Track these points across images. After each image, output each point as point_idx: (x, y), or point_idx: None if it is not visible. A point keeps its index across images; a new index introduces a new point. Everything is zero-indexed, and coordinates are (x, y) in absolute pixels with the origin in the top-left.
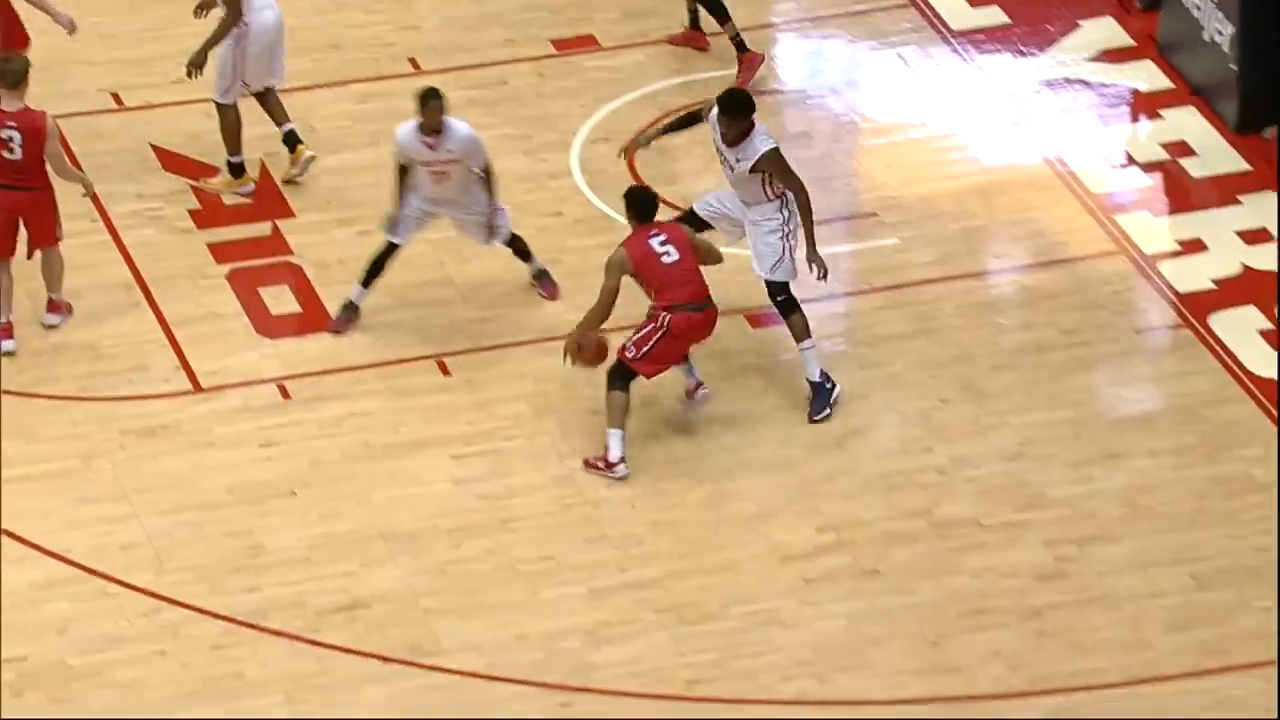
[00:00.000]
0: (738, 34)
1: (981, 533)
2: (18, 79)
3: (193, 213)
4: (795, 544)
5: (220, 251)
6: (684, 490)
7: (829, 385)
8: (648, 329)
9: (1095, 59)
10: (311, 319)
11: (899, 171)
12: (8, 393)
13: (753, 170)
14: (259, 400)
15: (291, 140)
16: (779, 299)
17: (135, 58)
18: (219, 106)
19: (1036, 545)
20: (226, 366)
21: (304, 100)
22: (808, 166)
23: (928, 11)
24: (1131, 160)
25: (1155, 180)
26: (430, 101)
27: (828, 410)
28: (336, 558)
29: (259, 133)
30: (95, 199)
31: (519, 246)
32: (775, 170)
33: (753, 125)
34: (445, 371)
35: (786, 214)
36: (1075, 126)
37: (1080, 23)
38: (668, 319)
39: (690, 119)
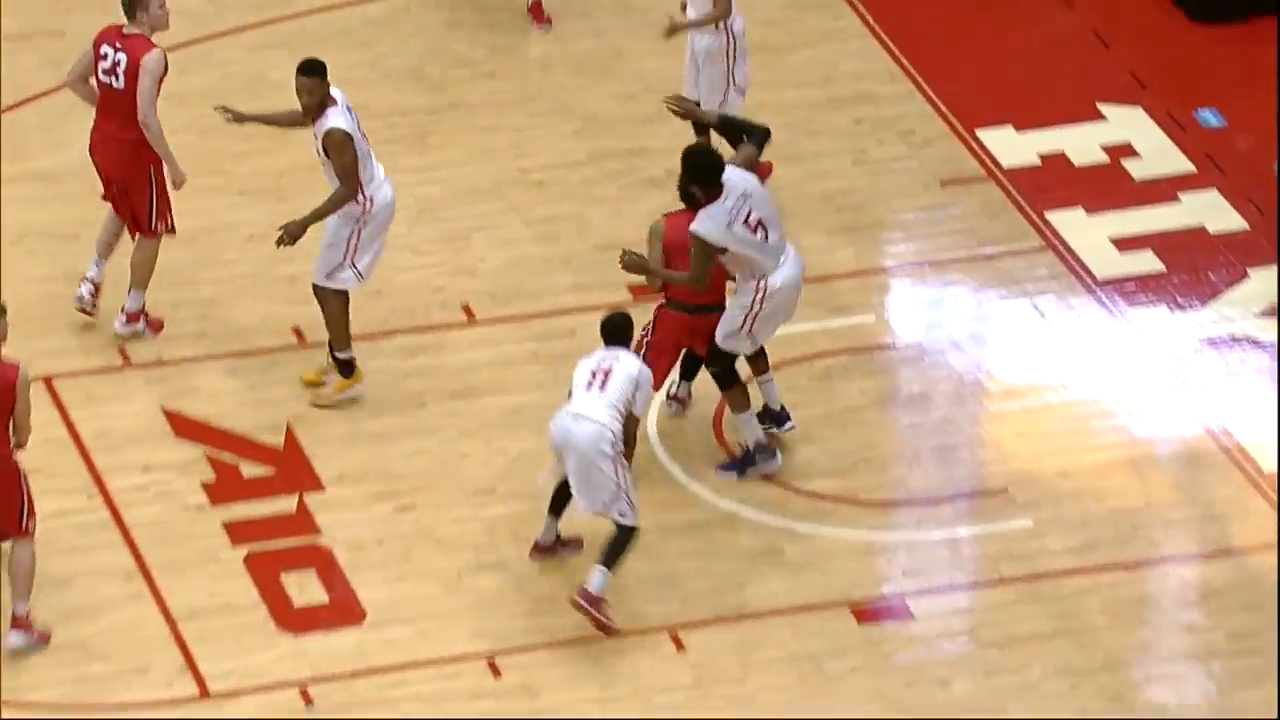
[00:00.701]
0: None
1: None
2: None
3: (206, 486)
4: None
5: (237, 531)
6: None
7: (759, 459)
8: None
9: (1266, 313)
10: (341, 611)
11: (1033, 441)
12: None
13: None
14: (277, 708)
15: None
16: (714, 370)
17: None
18: (322, 292)
19: None
20: (240, 667)
21: None
22: (926, 434)
23: (1068, 256)
24: None
25: None
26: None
27: (742, 476)
28: None
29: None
30: (97, 480)
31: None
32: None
33: (718, 195)
34: (496, 673)
35: (758, 297)
36: (1243, 392)
37: (1249, 271)
38: (657, 313)
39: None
